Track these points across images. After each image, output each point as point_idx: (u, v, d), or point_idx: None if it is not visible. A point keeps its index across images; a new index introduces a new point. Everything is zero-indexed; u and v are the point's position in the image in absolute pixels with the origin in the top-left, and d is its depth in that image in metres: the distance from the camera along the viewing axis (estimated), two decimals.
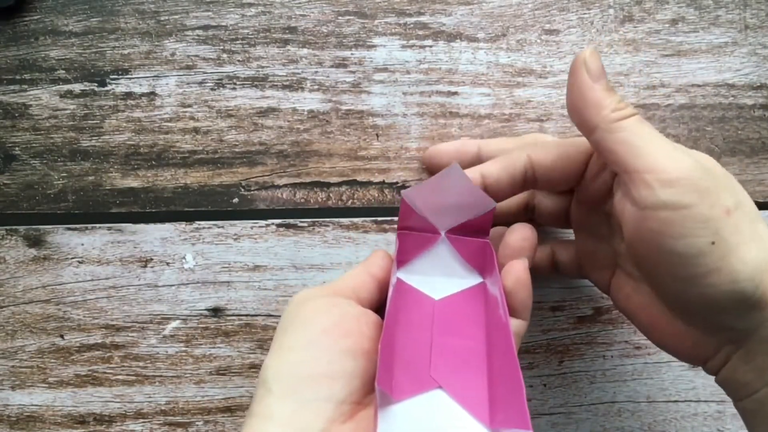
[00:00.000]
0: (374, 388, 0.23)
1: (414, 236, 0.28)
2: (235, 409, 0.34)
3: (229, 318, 0.34)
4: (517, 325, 0.25)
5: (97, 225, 0.34)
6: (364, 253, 0.34)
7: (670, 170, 0.21)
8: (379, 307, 0.27)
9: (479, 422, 0.22)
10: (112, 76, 0.34)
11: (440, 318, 0.27)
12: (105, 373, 0.34)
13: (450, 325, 0.26)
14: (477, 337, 0.26)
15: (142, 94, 0.34)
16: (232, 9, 0.34)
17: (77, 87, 0.34)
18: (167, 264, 0.34)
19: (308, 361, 0.22)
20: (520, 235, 0.26)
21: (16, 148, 0.34)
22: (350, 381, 0.22)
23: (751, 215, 0.22)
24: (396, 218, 0.34)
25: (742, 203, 0.22)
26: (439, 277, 0.29)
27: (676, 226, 0.20)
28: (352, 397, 0.22)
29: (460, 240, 0.28)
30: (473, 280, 0.28)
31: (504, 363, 0.23)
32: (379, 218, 0.34)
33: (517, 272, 0.25)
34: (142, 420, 0.33)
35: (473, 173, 0.27)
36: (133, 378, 0.34)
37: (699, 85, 0.35)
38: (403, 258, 0.28)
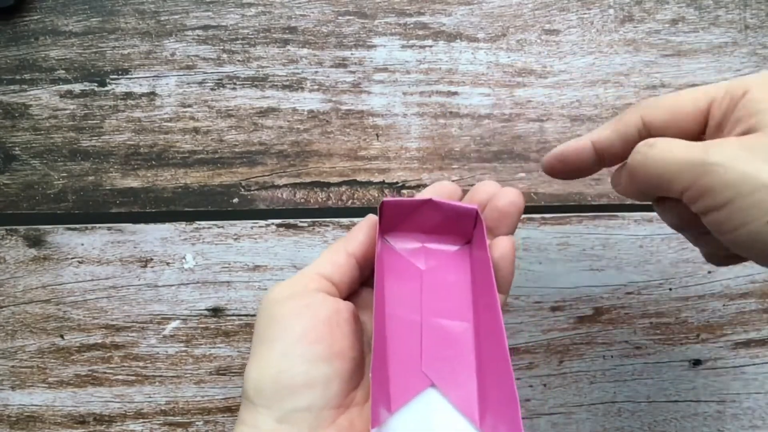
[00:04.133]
0: (352, 388, 0.24)
1: (400, 203, 0.27)
2: (235, 409, 0.34)
3: (229, 318, 0.34)
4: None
5: (97, 225, 0.34)
6: None
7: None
8: (361, 282, 0.27)
9: (472, 425, 0.23)
10: (112, 76, 0.34)
11: (428, 291, 0.27)
12: (105, 373, 0.34)
13: (438, 300, 0.26)
14: (465, 315, 0.26)
15: (142, 94, 0.34)
16: (232, 9, 0.34)
17: (77, 87, 0.34)
18: (167, 264, 0.34)
19: (285, 372, 0.23)
20: (508, 199, 0.26)
21: (16, 148, 0.34)
22: (327, 387, 0.23)
23: None
24: None
25: None
26: (425, 244, 0.28)
27: None
28: (331, 402, 0.23)
29: (447, 204, 0.27)
30: (458, 244, 0.28)
31: (496, 361, 0.23)
32: None
33: (503, 247, 0.26)
34: (142, 420, 0.33)
35: (581, 141, 0.26)
36: (133, 378, 0.34)
37: (699, 85, 0.35)
38: (388, 223, 0.28)
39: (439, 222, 0.27)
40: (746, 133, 0.21)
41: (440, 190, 0.28)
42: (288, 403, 0.22)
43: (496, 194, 0.26)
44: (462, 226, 0.27)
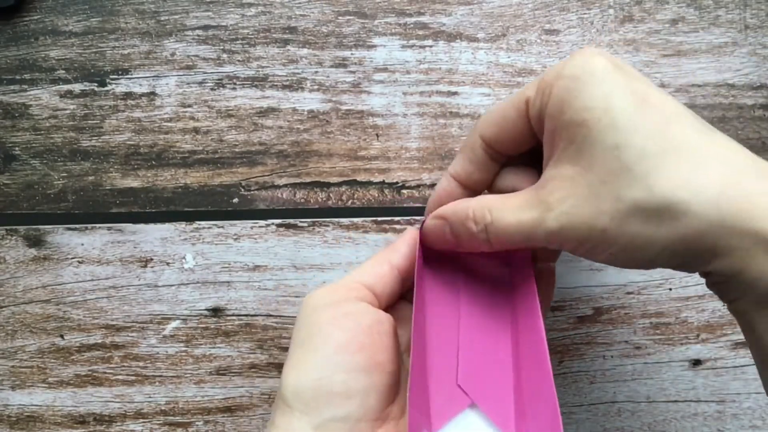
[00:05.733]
0: (389, 402, 0.23)
1: None
2: (235, 409, 0.34)
3: (229, 318, 0.34)
4: None
5: (97, 225, 0.34)
6: (364, 253, 0.34)
7: None
8: (400, 295, 0.27)
9: None
10: (112, 76, 0.34)
11: (467, 307, 0.26)
12: (105, 373, 0.34)
13: (476, 316, 0.26)
14: (503, 332, 0.25)
15: (142, 94, 0.34)
16: (232, 9, 0.34)
17: (77, 87, 0.34)
18: (167, 264, 0.34)
19: (325, 380, 0.22)
20: (510, 183, 0.26)
21: (16, 148, 0.34)
22: (366, 399, 0.22)
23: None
24: (396, 218, 0.34)
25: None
26: (465, 260, 0.28)
27: None
28: (368, 414, 0.22)
29: None
30: (498, 261, 0.28)
31: (538, 382, 0.22)
32: (379, 218, 0.34)
33: (546, 269, 0.26)
34: (142, 420, 0.33)
35: (444, 182, 0.26)
36: (133, 378, 0.34)
37: (699, 85, 0.35)
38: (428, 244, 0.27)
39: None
40: (562, 153, 0.21)
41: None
42: (326, 412, 0.22)
43: (499, 174, 0.26)
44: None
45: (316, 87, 0.34)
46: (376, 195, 0.34)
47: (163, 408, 0.34)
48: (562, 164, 0.21)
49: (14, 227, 0.34)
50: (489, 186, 0.27)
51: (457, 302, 0.27)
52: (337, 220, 0.34)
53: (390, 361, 0.24)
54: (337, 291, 0.25)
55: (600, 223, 0.20)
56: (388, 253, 0.26)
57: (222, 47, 0.34)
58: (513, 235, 0.22)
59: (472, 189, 0.26)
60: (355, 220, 0.34)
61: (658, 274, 0.34)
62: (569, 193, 0.20)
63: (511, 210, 0.22)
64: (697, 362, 0.34)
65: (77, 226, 0.34)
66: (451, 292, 0.27)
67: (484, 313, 0.26)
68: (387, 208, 0.34)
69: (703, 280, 0.22)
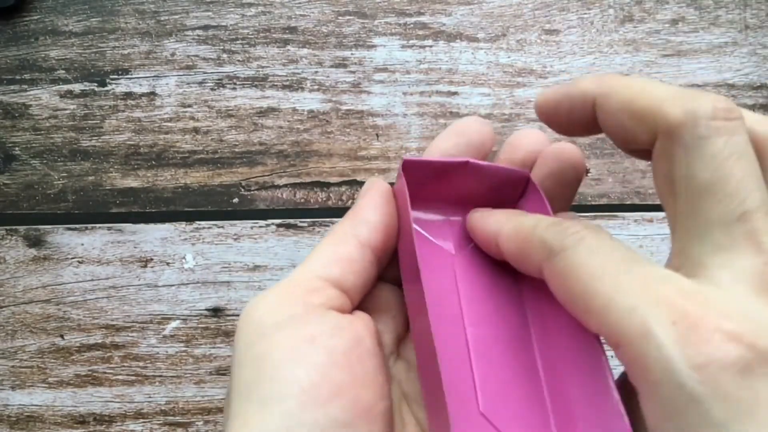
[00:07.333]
0: None
1: (426, 164, 0.19)
2: None
3: (229, 318, 0.34)
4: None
5: (97, 225, 0.34)
6: None
7: None
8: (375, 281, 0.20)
9: None
10: (112, 76, 0.34)
11: (465, 288, 0.19)
12: (105, 373, 0.34)
13: (480, 300, 0.19)
14: (518, 319, 0.19)
15: (142, 94, 0.34)
16: (232, 9, 0.34)
17: (77, 87, 0.34)
18: (167, 264, 0.34)
19: None
20: (567, 159, 0.19)
21: (16, 148, 0.34)
22: None
23: None
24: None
25: None
26: (450, 217, 0.20)
27: None
28: None
29: (490, 168, 0.19)
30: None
31: (594, 408, 0.15)
32: None
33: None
34: (142, 420, 0.33)
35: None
36: (133, 378, 0.34)
37: (699, 85, 0.35)
38: (414, 193, 0.19)
39: (472, 191, 0.20)
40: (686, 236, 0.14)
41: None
42: None
43: (545, 152, 0.19)
44: (503, 196, 0.20)
45: (316, 87, 0.34)
46: None
47: (163, 408, 0.34)
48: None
49: (14, 227, 0.34)
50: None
51: (453, 279, 0.19)
52: (337, 220, 0.34)
53: (379, 397, 0.16)
54: (291, 296, 0.17)
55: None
56: (353, 224, 0.18)
57: (222, 47, 0.34)
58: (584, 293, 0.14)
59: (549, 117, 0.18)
60: None
61: None
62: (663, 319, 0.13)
63: (591, 266, 0.14)
64: None
65: (77, 226, 0.34)
66: (442, 267, 0.19)
67: (490, 293, 0.19)
68: None
69: None
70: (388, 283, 0.20)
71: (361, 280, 0.18)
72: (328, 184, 0.34)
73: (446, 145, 0.19)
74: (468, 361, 0.17)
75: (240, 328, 0.17)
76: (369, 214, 0.18)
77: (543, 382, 0.17)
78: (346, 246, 0.18)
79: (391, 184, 0.20)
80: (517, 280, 0.19)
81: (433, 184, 0.19)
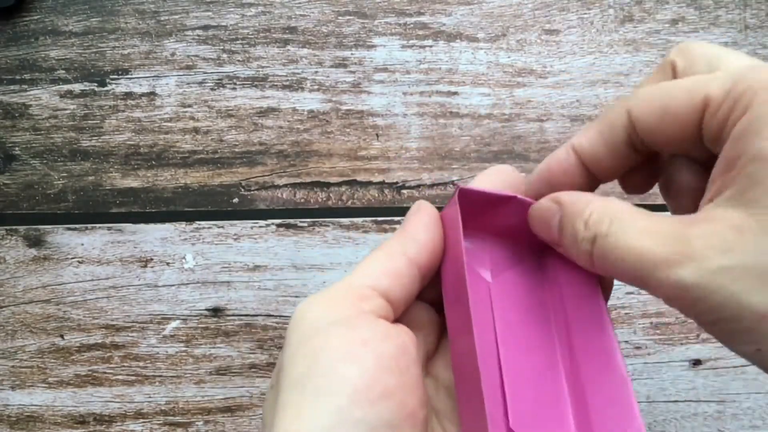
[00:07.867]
0: None
1: (483, 195, 0.20)
2: (235, 409, 0.34)
3: (229, 318, 0.34)
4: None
5: (97, 225, 0.34)
6: (364, 253, 0.34)
7: None
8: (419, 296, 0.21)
9: None
10: (112, 76, 0.34)
11: (501, 314, 0.20)
12: (105, 373, 0.34)
13: (514, 326, 0.20)
14: (549, 346, 0.20)
15: (142, 94, 0.34)
16: (232, 9, 0.34)
17: (77, 87, 0.34)
18: (167, 264, 0.34)
19: None
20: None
21: (16, 148, 0.34)
22: None
23: None
24: (396, 218, 0.34)
25: None
26: (491, 248, 0.22)
27: None
28: None
29: (532, 203, 0.21)
30: (531, 252, 0.22)
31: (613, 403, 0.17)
32: (379, 218, 0.34)
33: None
34: (142, 420, 0.33)
35: (562, 153, 0.20)
36: (133, 378, 0.34)
37: None
38: (468, 221, 0.20)
39: (511, 223, 0.21)
40: (741, 192, 0.15)
41: (500, 176, 0.21)
42: None
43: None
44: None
45: (316, 87, 0.34)
46: (376, 195, 0.34)
47: (163, 408, 0.34)
48: (734, 206, 0.15)
49: (14, 227, 0.34)
50: (620, 176, 0.20)
51: (489, 309, 0.20)
52: (337, 220, 0.34)
53: (421, 405, 0.17)
54: (344, 301, 0.18)
55: (762, 307, 0.14)
56: (403, 242, 0.19)
57: (222, 47, 0.34)
58: (624, 262, 0.16)
59: (593, 173, 0.20)
60: (355, 220, 0.34)
61: None
62: (730, 247, 0.15)
63: (638, 231, 0.16)
64: (697, 362, 0.34)
65: (77, 226, 0.34)
66: (479, 294, 0.20)
67: (522, 319, 0.20)
68: (387, 208, 0.34)
69: None
70: (423, 302, 0.21)
71: (405, 294, 0.19)
72: (328, 184, 0.34)
73: (485, 184, 0.21)
74: (499, 379, 0.19)
75: (293, 326, 0.18)
76: (419, 233, 0.20)
77: (569, 405, 0.19)
78: (395, 260, 0.19)
79: (439, 208, 0.21)
80: (546, 309, 0.21)
81: (478, 213, 0.20)
